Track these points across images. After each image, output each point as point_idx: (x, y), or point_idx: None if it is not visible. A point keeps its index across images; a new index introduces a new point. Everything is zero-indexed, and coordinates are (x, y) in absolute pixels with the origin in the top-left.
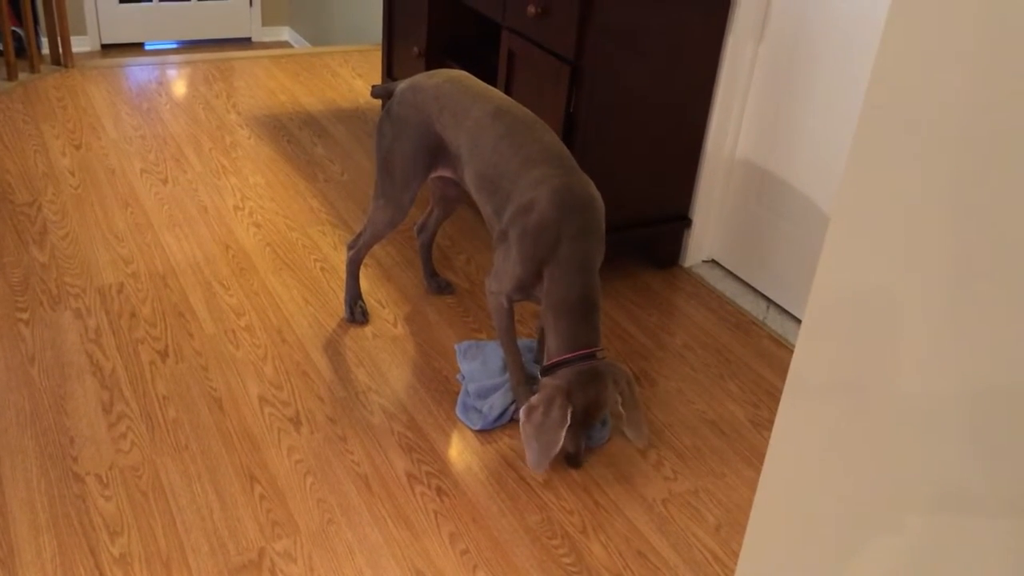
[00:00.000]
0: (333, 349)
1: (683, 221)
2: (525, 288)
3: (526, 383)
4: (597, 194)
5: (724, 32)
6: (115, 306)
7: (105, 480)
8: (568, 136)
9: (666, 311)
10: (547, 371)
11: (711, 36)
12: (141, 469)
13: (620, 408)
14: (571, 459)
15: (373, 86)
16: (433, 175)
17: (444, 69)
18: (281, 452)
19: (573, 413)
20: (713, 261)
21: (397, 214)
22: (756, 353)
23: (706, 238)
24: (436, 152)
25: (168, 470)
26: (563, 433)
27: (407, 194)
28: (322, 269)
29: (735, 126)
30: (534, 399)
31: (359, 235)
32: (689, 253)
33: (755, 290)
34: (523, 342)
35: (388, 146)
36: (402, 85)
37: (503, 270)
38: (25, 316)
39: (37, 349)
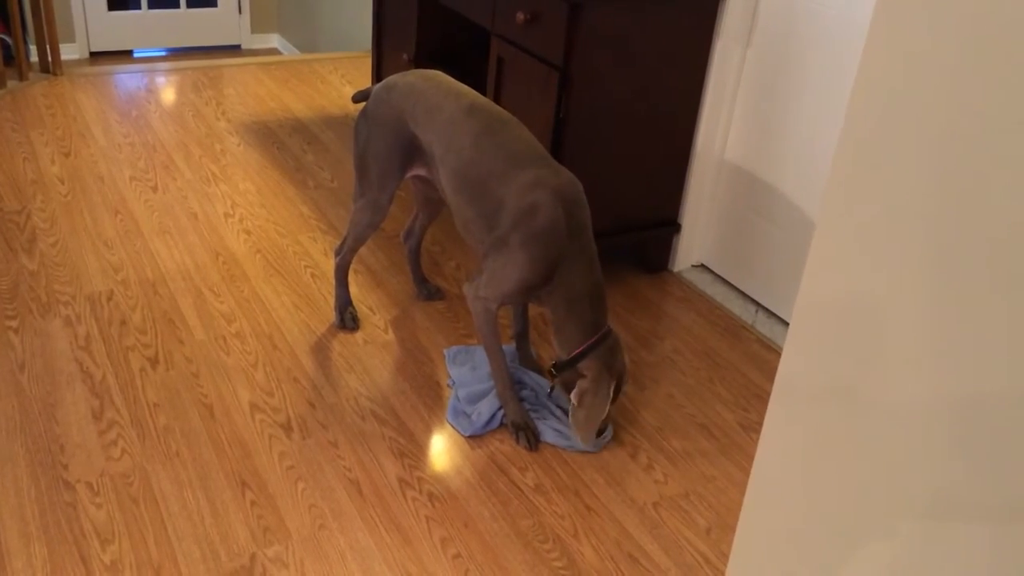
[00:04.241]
0: (324, 355)
1: (672, 226)
2: (531, 290)
3: (512, 388)
4: (580, 184)
5: (712, 37)
6: (105, 313)
7: (96, 488)
8: (558, 142)
9: (656, 316)
10: (573, 362)
11: (699, 41)
12: (132, 476)
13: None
14: (601, 432)
15: (354, 92)
16: (409, 174)
17: (420, 69)
18: (272, 458)
19: (615, 387)
20: (702, 266)
21: (376, 215)
22: (745, 357)
23: (695, 243)
24: (411, 150)
25: (159, 477)
26: (608, 406)
27: (385, 194)
28: (312, 276)
29: (723, 131)
30: (583, 384)
31: (343, 240)
32: (678, 258)
33: (744, 294)
34: (504, 347)
35: (363, 145)
36: (378, 85)
37: (505, 276)
38: (14, 324)
39: (27, 357)
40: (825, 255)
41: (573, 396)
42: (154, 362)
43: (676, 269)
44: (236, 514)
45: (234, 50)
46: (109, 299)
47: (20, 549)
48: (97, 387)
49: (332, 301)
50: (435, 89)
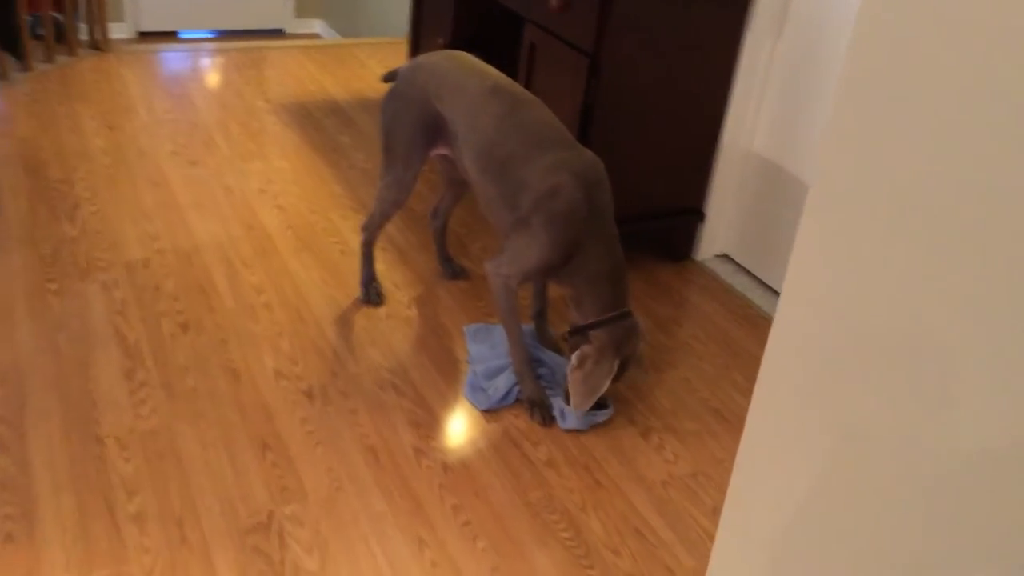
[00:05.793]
0: (348, 328)
1: (697, 215)
2: (551, 269)
3: (529, 365)
4: (603, 166)
5: (743, 28)
6: (141, 280)
7: (124, 443)
8: (585, 128)
9: (677, 303)
10: (586, 329)
11: (729, 32)
12: (159, 434)
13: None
14: (599, 406)
15: (384, 73)
16: (433, 152)
17: (447, 50)
18: (294, 423)
19: (619, 365)
20: (725, 256)
21: (401, 193)
22: (763, 346)
23: (719, 233)
24: (435, 129)
25: (185, 436)
26: (609, 381)
27: (409, 172)
28: (341, 252)
29: (752, 122)
30: (586, 349)
31: (370, 217)
32: (702, 247)
33: (766, 285)
34: (524, 327)
35: (390, 124)
36: (405, 65)
37: (525, 255)
38: (54, 287)
39: (65, 318)
40: (810, 252)
41: (574, 357)
42: (185, 327)
43: (699, 258)
44: (256, 473)
45: (277, 34)
46: (145, 266)
47: (50, 497)
48: (130, 349)
49: (358, 276)
50: (460, 69)
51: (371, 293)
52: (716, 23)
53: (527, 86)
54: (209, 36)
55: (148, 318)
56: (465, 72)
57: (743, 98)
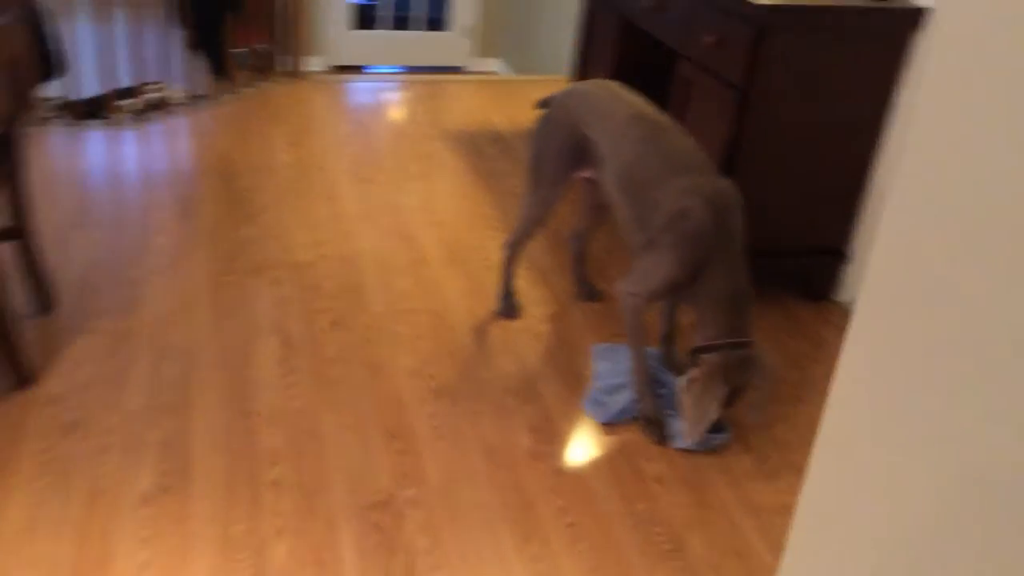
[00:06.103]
0: (482, 337)
1: (840, 255)
2: (677, 289)
3: (649, 384)
4: (738, 193)
5: (900, 71)
6: (304, 280)
7: (272, 419)
8: (731, 159)
9: (812, 341)
10: (702, 351)
11: (886, 74)
12: (303, 414)
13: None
14: (716, 429)
15: (539, 100)
16: (577, 174)
17: (598, 79)
18: (421, 417)
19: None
20: None
21: (544, 212)
22: None
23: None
24: (581, 152)
25: (325, 419)
26: (718, 407)
27: (554, 192)
28: (486, 267)
29: None
30: (695, 372)
31: (513, 234)
32: (845, 288)
33: None
34: (650, 350)
35: (539, 145)
36: (559, 92)
37: (653, 274)
38: (229, 279)
39: (235, 307)
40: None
41: (683, 379)
42: (336, 324)
43: (841, 299)
44: (383, 458)
45: (456, 71)
46: (310, 268)
47: (205, 457)
48: (287, 339)
49: (498, 290)
50: (608, 97)
51: (508, 307)
52: (872, 64)
53: (679, 117)
54: (394, 71)
55: (306, 313)
56: (612, 99)
57: (899, 143)
